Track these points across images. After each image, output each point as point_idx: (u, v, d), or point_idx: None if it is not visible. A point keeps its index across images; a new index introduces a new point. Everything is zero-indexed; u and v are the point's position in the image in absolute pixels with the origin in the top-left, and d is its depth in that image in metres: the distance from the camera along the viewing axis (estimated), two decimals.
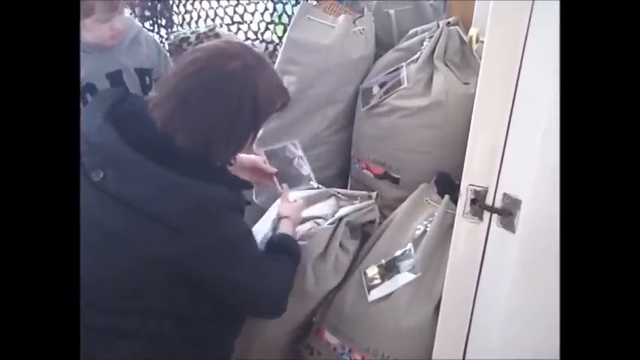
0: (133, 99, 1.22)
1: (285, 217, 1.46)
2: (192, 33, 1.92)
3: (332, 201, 1.66)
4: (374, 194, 1.67)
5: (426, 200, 1.60)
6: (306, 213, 1.58)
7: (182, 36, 1.92)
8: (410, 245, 1.50)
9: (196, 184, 1.07)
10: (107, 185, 1.07)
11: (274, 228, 1.46)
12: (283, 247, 1.37)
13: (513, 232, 1.15)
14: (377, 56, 1.82)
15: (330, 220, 1.53)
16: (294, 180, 1.57)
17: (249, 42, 2.06)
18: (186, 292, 1.15)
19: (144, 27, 2.09)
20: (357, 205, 1.61)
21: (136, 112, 1.15)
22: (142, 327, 1.15)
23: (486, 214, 1.20)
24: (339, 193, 1.70)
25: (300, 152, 1.61)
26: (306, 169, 1.59)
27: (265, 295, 1.26)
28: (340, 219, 1.53)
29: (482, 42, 1.55)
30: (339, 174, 1.88)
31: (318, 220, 1.56)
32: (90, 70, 1.64)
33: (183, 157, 1.11)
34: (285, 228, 1.43)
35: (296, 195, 1.58)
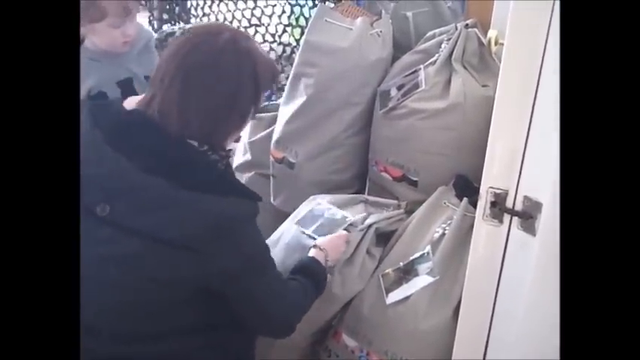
0: (123, 111, 1.17)
1: (323, 248, 1.42)
2: (179, 29, 1.92)
3: (361, 207, 1.67)
4: (403, 204, 1.67)
5: (445, 203, 1.60)
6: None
7: (168, 31, 1.92)
8: (428, 248, 1.50)
9: (212, 200, 1.05)
10: (117, 219, 1.05)
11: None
12: (312, 272, 1.33)
13: (534, 235, 1.14)
14: (394, 59, 1.80)
15: (359, 227, 1.54)
16: (334, 228, 1.56)
17: (266, 44, 2.07)
18: (209, 304, 1.14)
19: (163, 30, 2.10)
20: (387, 213, 1.63)
21: (138, 122, 1.11)
22: (167, 348, 1.13)
23: (506, 217, 1.19)
24: (368, 200, 1.71)
25: (325, 205, 1.62)
26: (338, 213, 1.59)
27: (275, 315, 1.22)
28: (369, 226, 1.54)
29: (502, 44, 1.54)
30: (357, 176, 1.87)
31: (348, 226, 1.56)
32: (100, 78, 1.64)
33: (198, 168, 1.08)
34: (319, 255, 1.39)
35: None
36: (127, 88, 1.67)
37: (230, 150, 1.21)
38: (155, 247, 1.03)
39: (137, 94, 1.67)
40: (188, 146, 1.09)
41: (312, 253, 1.39)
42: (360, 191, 1.86)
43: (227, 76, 1.10)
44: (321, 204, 1.63)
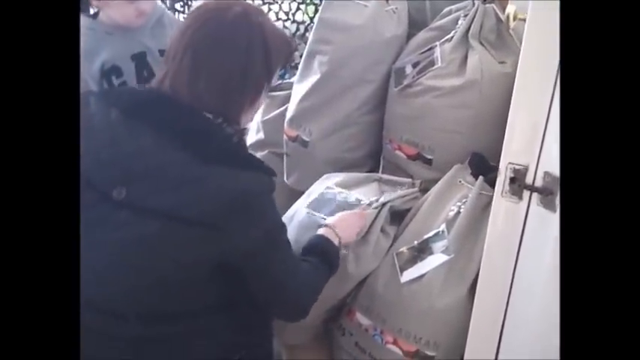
0: (138, 91, 1.19)
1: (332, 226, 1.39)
2: None
3: (374, 185, 1.66)
4: (418, 182, 1.66)
5: (460, 181, 1.58)
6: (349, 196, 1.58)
7: None
8: (443, 226, 1.49)
9: (229, 173, 1.04)
10: (134, 201, 1.04)
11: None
12: (324, 251, 1.31)
13: (554, 211, 1.13)
14: (410, 36, 1.79)
15: (374, 205, 1.53)
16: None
17: (279, 22, 2.05)
18: (229, 283, 1.13)
19: (175, 8, 2.09)
20: (402, 191, 1.61)
21: (153, 99, 1.12)
22: (192, 327, 1.13)
23: (526, 193, 1.18)
24: (382, 178, 1.70)
25: (336, 189, 1.60)
26: (350, 196, 1.58)
27: (288, 294, 1.20)
28: (384, 204, 1.53)
29: (521, 19, 1.53)
30: (371, 155, 1.86)
31: (362, 201, 1.55)
32: (114, 51, 1.64)
33: (214, 139, 1.08)
34: (328, 234, 1.36)
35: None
36: (141, 61, 1.66)
37: (245, 129, 1.20)
38: (173, 226, 1.02)
39: (150, 69, 1.68)
40: (203, 118, 1.08)
41: (321, 231, 1.37)
42: (374, 170, 1.85)
43: (237, 48, 1.09)
44: (332, 187, 1.62)
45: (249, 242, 1.07)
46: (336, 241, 1.35)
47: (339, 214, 1.46)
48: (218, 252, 1.06)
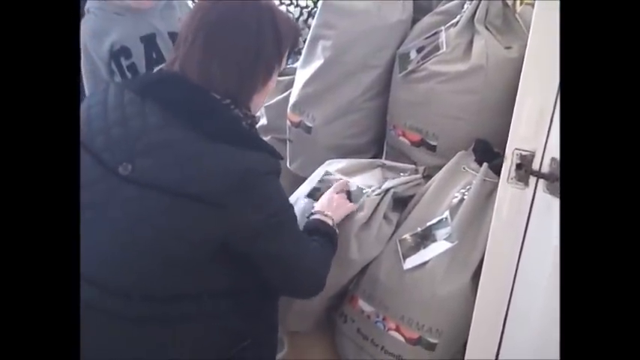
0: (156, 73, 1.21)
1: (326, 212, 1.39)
2: None
3: (378, 171, 1.64)
4: (421, 168, 1.65)
5: (464, 168, 1.57)
6: (352, 182, 1.57)
7: None
8: (447, 213, 1.47)
9: (235, 152, 1.05)
10: (140, 177, 1.05)
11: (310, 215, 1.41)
12: (323, 232, 1.33)
13: None
14: (415, 21, 1.76)
15: (377, 192, 1.52)
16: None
17: (283, 7, 2.02)
18: (235, 266, 1.13)
19: None
20: (405, 177, 1.60)
21: (164, 78, 1.14)
22: (198, 309, 1.12)
23: (532, 180, 1.16)
24: (385, 164, 1.68)
25: (336, 175, 1.59)
26: (352, 185, 1.56)
27: (305, 272, 1.21)
28: (387, 190, 1.52)
29: (527, 4, 1.50)
30: (374, 141, 1.84)
31: (364, 190, 1.54)
32: (124, 32, 1.63)
33: (220, 119, 1.08)
34: (325, 218, 1.38)
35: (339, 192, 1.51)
36: (150, 43, 1.66)
37: (255, 116, 1.20)
38: (177, 203, 1.03)
39: (159, 50, 1.67)
40: (211, 98, 1.09)
41: (315, 216, 1.38)
42: (378, 156, 1.84)
43: (248, 29, 1.10)
44: (331, 174, 1.60)
45: (253, 222, 1.07)
46: (330, 223, 1.37)
47: (323, 197, 1.47)
48: (223, 230, 1.05)
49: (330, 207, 1.42)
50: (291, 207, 1.17)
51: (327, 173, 1.62)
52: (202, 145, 1.04)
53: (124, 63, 1.63)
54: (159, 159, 1.05)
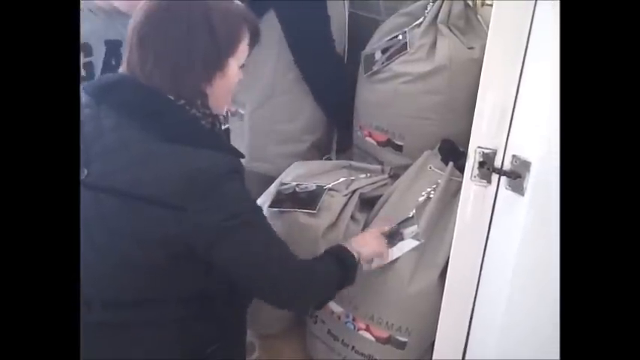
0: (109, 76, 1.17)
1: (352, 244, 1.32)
2: None
3: (344, 172, 1.64)
4: (387, 169, 1.66)
5: (430, 167, 1.59)
6: (318, 182, 1.56)
7: None
8: (413, 212, 1.49)
9: (192, 151, 1.03)
10: (94, 181, 1.04)
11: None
12: (336, 254, 1.25)
13: (522, 194, 1.13)
14: (380, 22, 1.78)
15: (343, 192, 1.52)
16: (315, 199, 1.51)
17: None
18: (202, 271, 1.11)
19: None
20: (372, 178, 1.61)
21: (114, 81, 1.12)
22: (164, 314, 1.11)
23: (495, 177, 1.18)
24: (351, 165, 1.69)
25: (292, 183, 1.58)
26: (310, 185, 1.55)
27: (279, 280, 1.12)
28: (354, 191, 1.53)
29: (489, 5, 1.53)
30: (310, 129, 1.87)
31: (330, 192, 1.53)
32: (91, 31, 1.60)
33: (172, 119, 1.07)
34: (349, 248, 1.29)
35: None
36: (113, 48, 1.62)
37: (217, 115, 1.18)
38: (133, 205, 1.02)
39: (120, 59, 1.64)
40: (163, 99, 1.07)
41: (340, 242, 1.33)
42: (322, 146, 1.86)
43: (177, 26, 1.07)
44: (287, 183, 1.58)
45: (214, 223, 1.03)
46: (351, 252, 1.28)
47: (360, 234, 1.42)
48: (182, 232, 1.03)
49: (357, 242, 1.34)
50: (257, 208, 1.14)
51: (282, 184, 1.59)
52: (156, 146, 1.03)
53: (83, 59, 1.60)
54: (111, 162, 1.04)
